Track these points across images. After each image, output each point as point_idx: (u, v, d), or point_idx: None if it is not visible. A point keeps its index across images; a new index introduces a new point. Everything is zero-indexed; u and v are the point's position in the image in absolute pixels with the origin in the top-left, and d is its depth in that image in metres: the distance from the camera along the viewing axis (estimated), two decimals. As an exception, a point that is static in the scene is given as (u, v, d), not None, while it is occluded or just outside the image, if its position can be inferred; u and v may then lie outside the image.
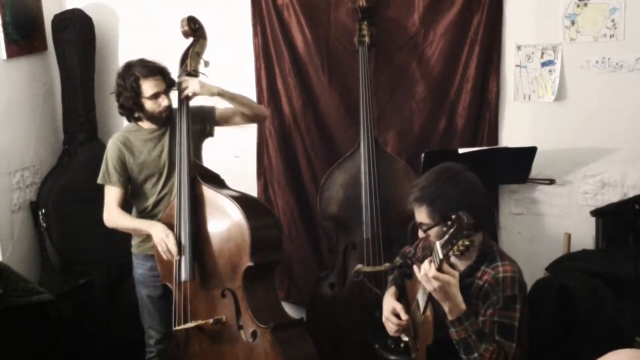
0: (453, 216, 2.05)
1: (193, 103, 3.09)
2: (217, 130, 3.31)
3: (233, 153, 3.92)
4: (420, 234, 2.39)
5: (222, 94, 3.10)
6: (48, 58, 3.95)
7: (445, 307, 2.18)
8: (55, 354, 3.11)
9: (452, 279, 2.14)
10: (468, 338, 2.17)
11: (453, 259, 2.33)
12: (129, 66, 3.05)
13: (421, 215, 2.33)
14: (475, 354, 2.17)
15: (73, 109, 3.89)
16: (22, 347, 2.99)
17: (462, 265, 2.36)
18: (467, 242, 2.03)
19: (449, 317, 2.19)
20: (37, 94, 3.88)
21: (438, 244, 2.11)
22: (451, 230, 2.05)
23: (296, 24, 3.73)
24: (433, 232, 2.32)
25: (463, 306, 2.18)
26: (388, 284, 2.71)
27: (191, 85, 3.02)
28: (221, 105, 3.21)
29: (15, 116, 3.67)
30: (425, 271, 2.15)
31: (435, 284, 2.13)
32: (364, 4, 3.51)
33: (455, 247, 2.05)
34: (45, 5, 3.86)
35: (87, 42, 3.89)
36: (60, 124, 3.98)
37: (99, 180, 3.12)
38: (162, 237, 2.93)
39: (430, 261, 2.15)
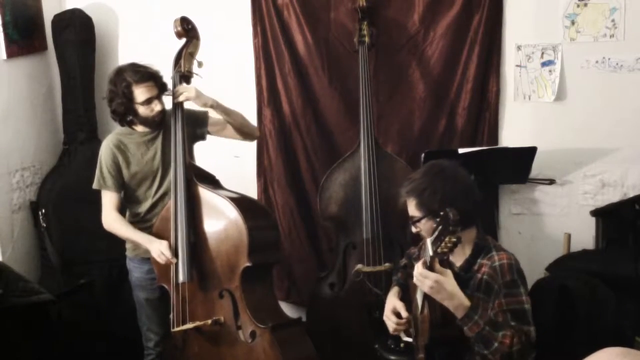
0: (441, 213, 2.06)
1: (187, 106, 3.08)
2: (217, 130, 3.31)
3: (233, 153, 3.91)
4: (413, 228, 2.41)
5: (216, 107, 3.07)
6: (48, 58, 3.95)
7: (450, 307, 2.18)
8: (55, 354, 3.11)
9: (441, 277, 2.15)
10: (482, 331, 2.16)
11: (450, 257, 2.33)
12: (120, 71, 3.03)
13: (411, 208, 2.38)
14: (495, 344, 2.16)
15: (73, 109, 3.89)
16: (22, 347, 2.99)
17: (458, 260, 2.38)
18: (454, 239, 2.04)
19: (457, 316, 2.19)
20: (37, 94, 3.88)
21: (429, 241, 2.14)
22: (439, 227, 2.07)
23: (296, 24, 3.73)
24: (422, 225, 2.35)
25: (467, 302, 2.18)
26: (392, 284, 2.71)
27: (187, 91, 3.00)
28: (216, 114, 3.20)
29: (15, 116, 3.67)
30: (416, 270, 2.17)
31: (427, 282, 2.15)
32: (364, 4, 3.51)
33: (443, 244, 2.06)
34: (45, 5, 3.87)
35: (87, 42, 3.89)
36: (60, 124, 3.98)
37: (95, 186, 3.11)
38: (157, 247, 2.93)
39: (423, 260, 2.17)
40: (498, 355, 2.16)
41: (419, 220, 2.35)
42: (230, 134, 3.21)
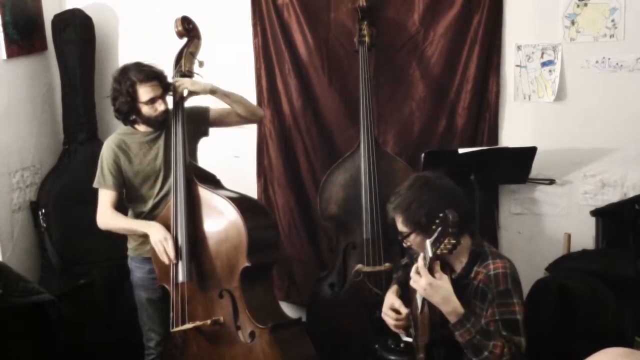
0: (440, 215, 2.07)
1: (188, 103, 3.08)
2: (217, 130, 3.30)
3: (233, 153, 3.92)
4: (404, 243, 2.41)
5: (215, 91, 3.07)
6: (48, 58, 3.95)
7: (444, 311, 2.21)
8: (55, 354, 3.11)
9: (436, 281, 2.17)
10: (473, 339, 2.18)
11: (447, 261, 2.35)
12: (124, 70, 3.03)
13: (399, 224, 2.38)
14: (485, 353, 2.18)
15: (73, 109, 3.89)
16: (22, 347, 2.99)
17: (457, 267, 2.38)
18: (453, 241, 2.06)
19: (450, 321, 2.21)
20: (37, 94, 3.88)
21: (428, 243, 2.14)
22: (439, 228, 2.07)
23: (296, 24, 3.73)
24: (411, 240, 2.35)
25: (461, 309, 2.20)
26: (392, 282, 2.71)
27: (183, 84, 3.01)
28: (217, 105, 3.20)
29: (15, 116, 3.67)
30: (413, 269, 2.19)
31: (421, 283, 2.17)
32: (364, 4, 3.51)
33: (442, 245, 2.07)
34: (45, 5, 3.87)
35: (87, 42, 3.89)
36: (60, 124, 3.98)
37: (95, 184, 3.10)
38: (159, 239, 2.91)
39: (422, 257, 2.19)
40: None
41: (407, 235, 2.36)
42: (233, 120, 3.21)
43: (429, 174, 2.43)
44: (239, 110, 3.17)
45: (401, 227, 2.37)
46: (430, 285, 2.16)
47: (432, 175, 2.41)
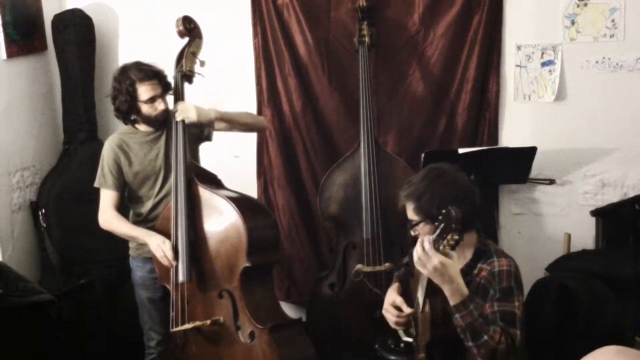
0: (443, 211, 2.05)
1: (190, 102, 3.09)
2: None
3: (233, 153, 3.92)
4: (411, 232, 2.40)
5: (220, 119, 3.10)
6: (48, 58, 3.95)
7: (447, 292, 2.13)
8: (55, 354, 3.11)
9: (447, 259, 2.08)
10: (475, 322, 2.13)
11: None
12: (124, 70, 3.03)
13: (409, 211, 2.36)
14: (485, 337, 2.13)
15: (73, 109, 3.89)
16: (22, 347, 2.99)
17: (459, 264, 2.36)
18: (456, 237, 2.02)
19: (452, 302, 2.14)
20: (37, 94, 3.88)
21: (431, 239, 2.12)
22: (441, 225, 2.06)
23: (296, 24, 3.74)
24: (420, 229, 2.33)
25: (465, 290, 2.14)
26: (393, 279, 2.70)
27: (187, 112, 2.99)
28: (222, 108, 3.21)
29: (15, 116, 3.67)
30: (419, 249, 2.10)
31: (433, 261, 2.07)
32: (364, 4, 3.51)
33: (445, 242, 2.04)
34: (45, 5, 3.87)
35: (87, 42, 3.89)
36: (60, 124, 3.98)
37: (96, 184, 3.11)
38: (158, 243, 2.93)
39: (428, 239, 2.13)
40: (484, 350, 2.13)
41: (417, 224, 2.34)
42: (238, 129, 3.28)
43: (444, 166, 2.39)
44: (244, 129, 3.29)
45: (411, 215, 2.35)
46: (442, 264, 2.07)
47: (447, 167, 2.38)
